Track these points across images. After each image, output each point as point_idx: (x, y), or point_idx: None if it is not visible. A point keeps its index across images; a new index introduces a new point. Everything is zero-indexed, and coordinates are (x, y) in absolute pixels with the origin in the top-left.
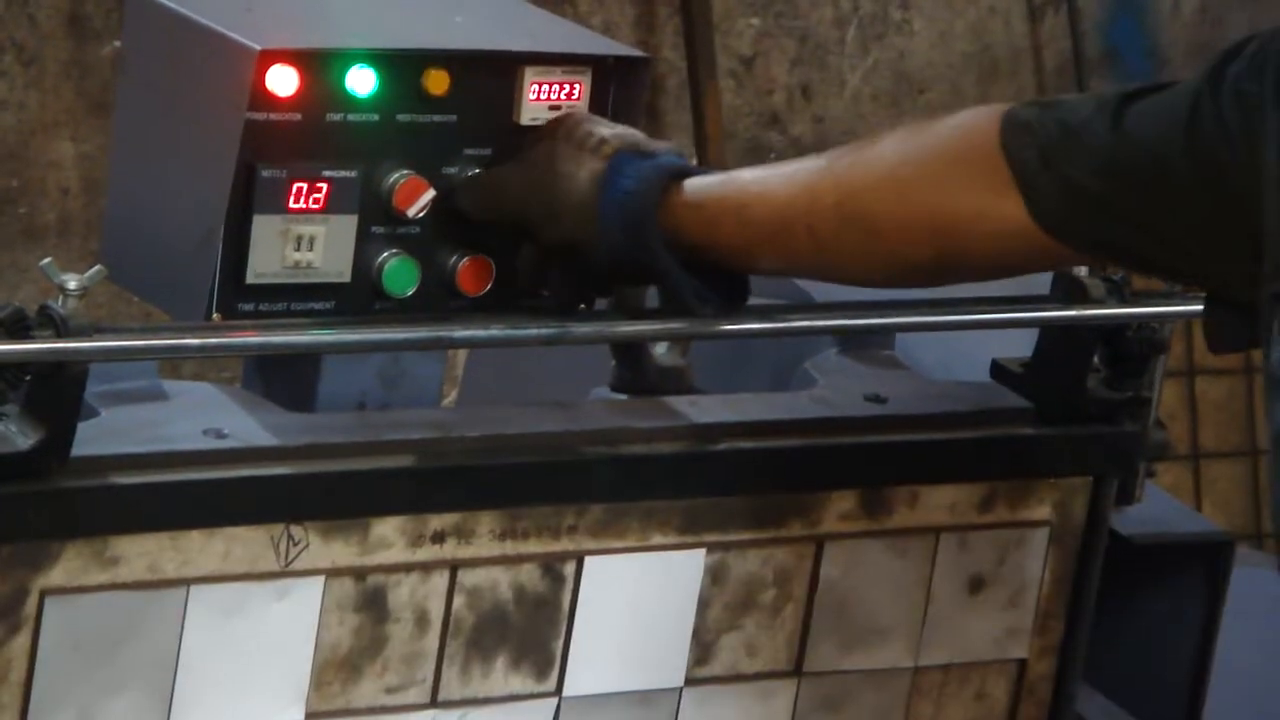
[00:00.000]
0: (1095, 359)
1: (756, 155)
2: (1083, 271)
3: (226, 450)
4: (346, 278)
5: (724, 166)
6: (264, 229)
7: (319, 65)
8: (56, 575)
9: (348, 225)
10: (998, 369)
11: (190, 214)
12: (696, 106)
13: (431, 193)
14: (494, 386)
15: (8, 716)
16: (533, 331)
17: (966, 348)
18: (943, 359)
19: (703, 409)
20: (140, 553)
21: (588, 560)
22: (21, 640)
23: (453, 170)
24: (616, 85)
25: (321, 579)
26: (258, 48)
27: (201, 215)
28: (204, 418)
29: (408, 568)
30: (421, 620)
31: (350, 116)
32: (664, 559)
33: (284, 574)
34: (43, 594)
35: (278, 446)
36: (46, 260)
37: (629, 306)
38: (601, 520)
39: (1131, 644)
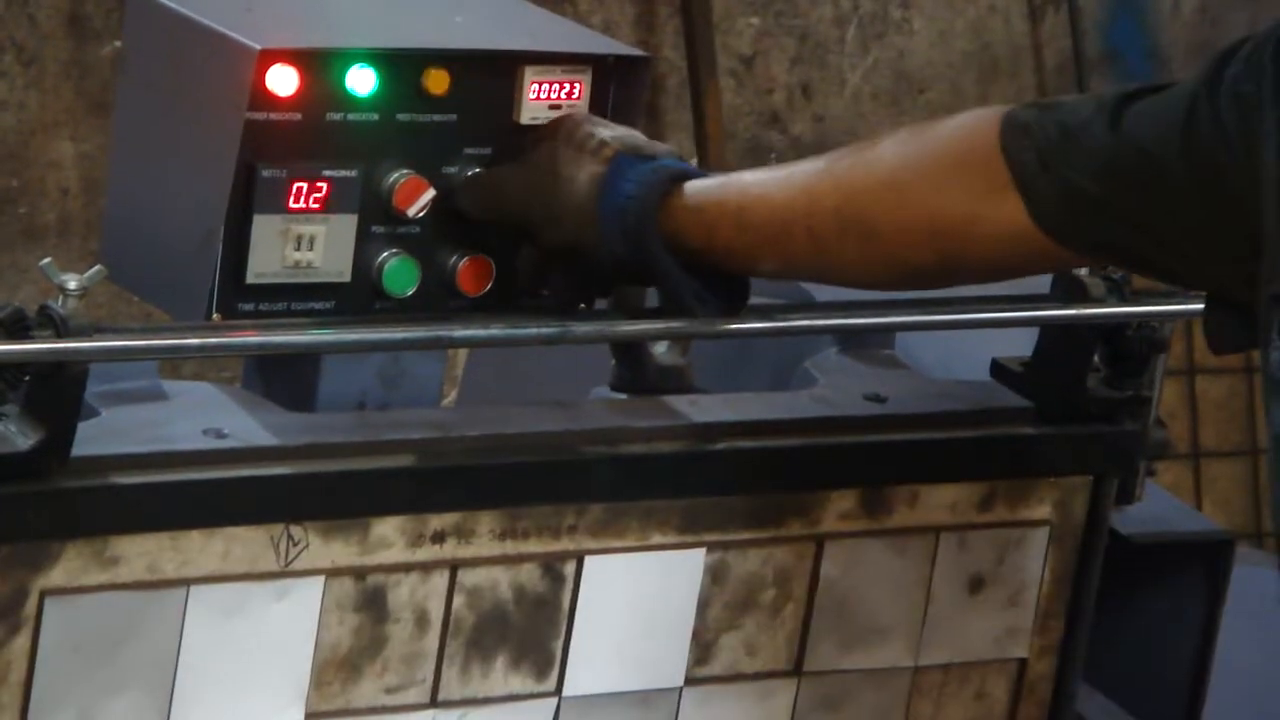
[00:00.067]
0: (1095, 358)
1: (757, 154)
2: (1083, 271)
3: (226, 450)
4: (346, 277)
5: (724, 166)
6: (264, 229)
7: (319, 65)
8: (56, 575)
9: (348, 225)
10: (998, 368)
11: (190, 214)
12: (697, 106)
13: (431, 192)
14: (494, 386)
15: (8, 716)
16: (533, 331)
17: (966, 347)
18: (943, 358)
19: (703, 408)
20: (140, 553)
21: (588, 560)
22: (21, 640)
23: (453, 170)
24: (617, 85)
25: (321, 579)
26: (258, 47)
27: (201, 215)
28: (204, 418)
29: (407, 567)
30: (421, 620)
31: (350, 116)
32: (664, 558)
33: (284, 574)
34: (43, 594)
35: (278, 446)
36: (46, 260)
37: (629, 306)
38: (601, 520)
39: (1132, 643)
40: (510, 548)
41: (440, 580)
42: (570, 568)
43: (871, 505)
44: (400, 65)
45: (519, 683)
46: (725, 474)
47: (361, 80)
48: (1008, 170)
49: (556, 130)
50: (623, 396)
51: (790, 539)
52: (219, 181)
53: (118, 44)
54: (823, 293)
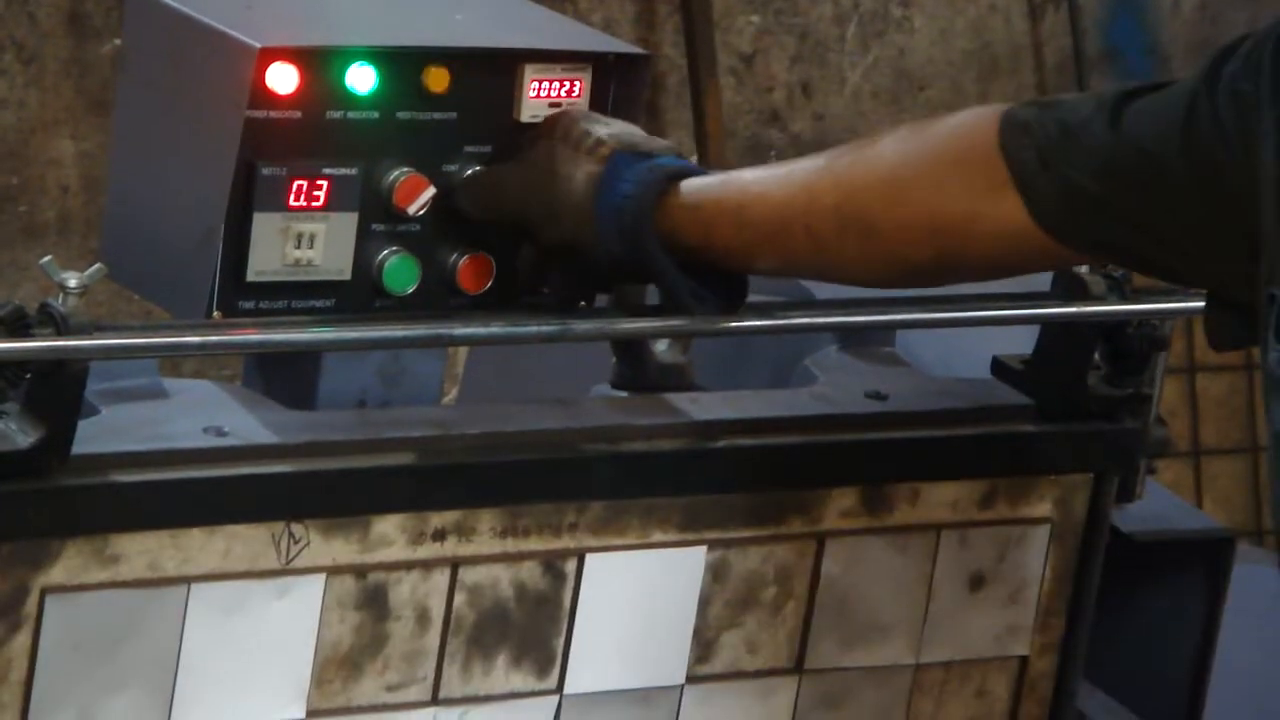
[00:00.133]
0: (1096, 356)
1: (757, 152)
2: (1083, 269)
3: (227, 448)
4: (347, 275)
5: (724, 164)
6: (264, 227)
7: (319, 63)
8: (57, 573)
9: (348, 223)
10: (998, 366)
11: (190, 212)
12: (697, 104)
13: (432, 190)
14: (494, 384)
15: (8, 715)
16: (533, 329)
17: (967, 344)
18: (943, 356)
19: (703, 406)
20: (141, 551)
21: (589, 558)
22: (22, 639)
23: (453, 168)
24: (617, 83)
25: (322, 577)
26: (258, 45)
27: (202, 213)
28: (204, 415)
29: (408, 565)
30: (422, 618)
31: (350, 114)
32: (665, 556)
33: (285, 572)
34: (43, 592)
35: (278, 444)
36: (46, 258)
37: (629, 304)
38: (602, 517)
39: (1132, 641)
40: (511, 545)
41: (441, 578)
42: (571, 565)
43: (872, 503)
44: (400, 63)
45: (520, 680)
46: (726, 472)
47: (362, 78)
48: (1007, 168)
49: (553, 128)
50: (623, 394)
51: (791, 537)
52: (219, 179)
53: (118, 42)
54: (823, 290)
